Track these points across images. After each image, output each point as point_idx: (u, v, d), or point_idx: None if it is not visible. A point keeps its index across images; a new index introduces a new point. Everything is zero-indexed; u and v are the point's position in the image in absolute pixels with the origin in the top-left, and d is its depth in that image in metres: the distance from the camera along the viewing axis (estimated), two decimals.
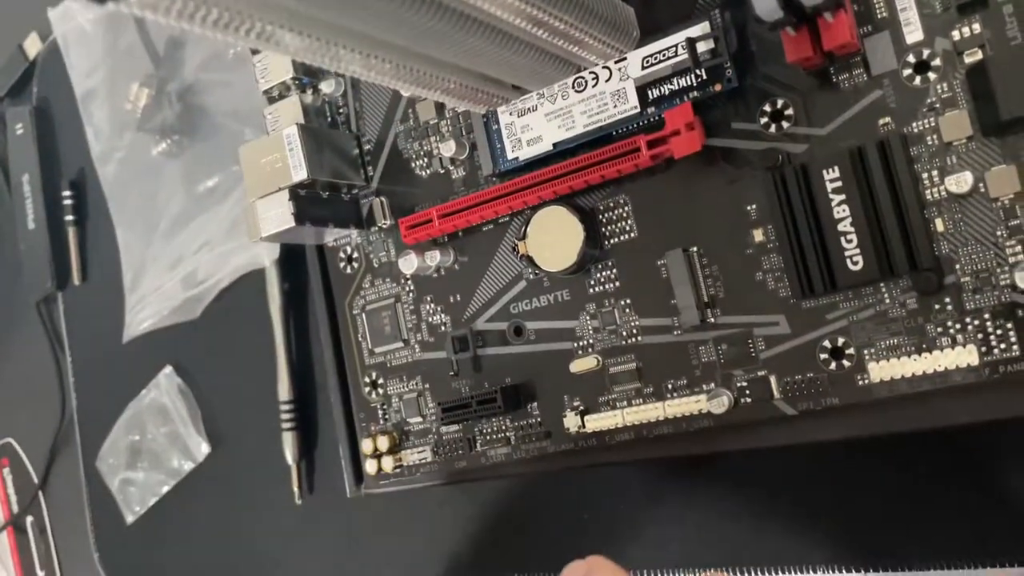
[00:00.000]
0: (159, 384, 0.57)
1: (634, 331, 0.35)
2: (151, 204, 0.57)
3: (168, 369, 0.57)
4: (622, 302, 0.35)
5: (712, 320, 0.33)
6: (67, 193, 0.62)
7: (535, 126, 0.35)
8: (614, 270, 0.35)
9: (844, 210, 0.30)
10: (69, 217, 0.62)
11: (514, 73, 0.28)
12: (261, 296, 0.51)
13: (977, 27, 0.28)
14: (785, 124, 0.32)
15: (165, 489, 0.57)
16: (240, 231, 0.51)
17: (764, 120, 0.32)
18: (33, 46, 0.64)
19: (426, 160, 0.40)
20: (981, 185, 0.28)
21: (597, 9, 0.26)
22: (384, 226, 0.41)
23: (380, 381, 0.41)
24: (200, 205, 0.54)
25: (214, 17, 0.19)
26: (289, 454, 0.50)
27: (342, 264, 0.42)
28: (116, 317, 0.57)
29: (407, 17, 0.21)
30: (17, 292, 0.65)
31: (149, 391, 0.57)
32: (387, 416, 0.41)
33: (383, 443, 0.40)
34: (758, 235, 0.32)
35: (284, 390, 0.51)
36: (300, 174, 0.38)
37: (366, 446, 0.41)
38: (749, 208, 0.32)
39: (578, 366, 0.36)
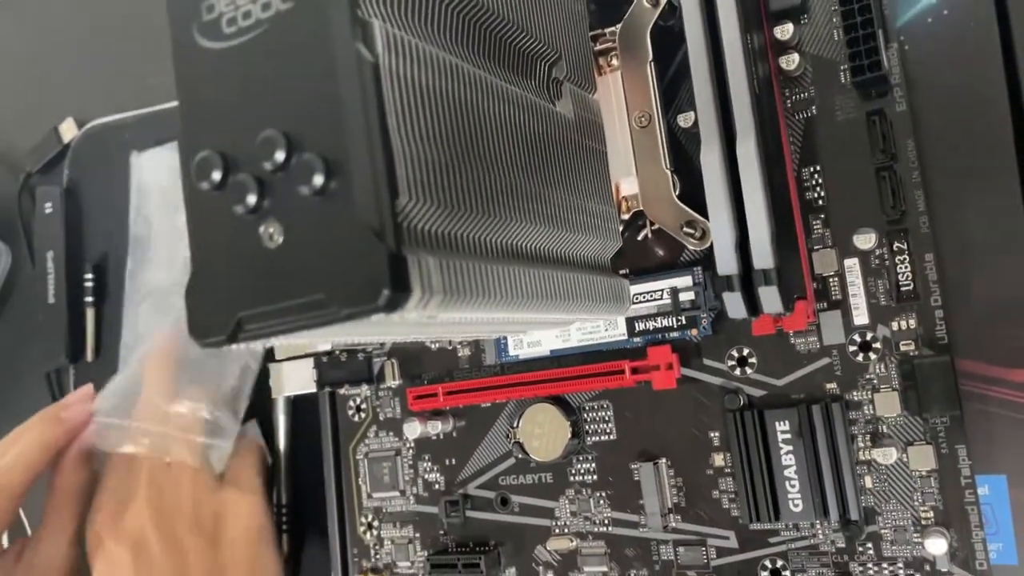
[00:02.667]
0: None
1: (606, 521, 0.40)
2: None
3: None
4: (598, 494, 0.40)
5: (673, 525, 0.38)
6: (89, 276, 0.66)
7: (536, 333, 0.41)
8: (593, 464, 0.41)
9: (791, 459, 0.35)
10: (89, 298, 0.66)
11: (523, 329, 0.34)
12: (266, 393, 0.55)
13: (913, 322, 0.34)
14: (748, 370, 0.37)
15: None
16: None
17: (731, 363, 0.37)
18: (68, 131, 0.68)
19: None
20: (904, 456, 0.34)
21: (601, 304, 0.32)
22: (393, 386, 0.46)
23: (375, 523, 0.46)
24: None
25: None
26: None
27: (351, 412, 0.47)
28: None
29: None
30: (28, 360, 0.68)
31: None
32: (378, 556, 0.46)
33: None
34: (718, 459, 0.38)
35: (282, 493, 0.55)
36: (325, 345, 0.43)
37: None
38: (712, 435, 0.38)
39: (554, 544, 0.41)
